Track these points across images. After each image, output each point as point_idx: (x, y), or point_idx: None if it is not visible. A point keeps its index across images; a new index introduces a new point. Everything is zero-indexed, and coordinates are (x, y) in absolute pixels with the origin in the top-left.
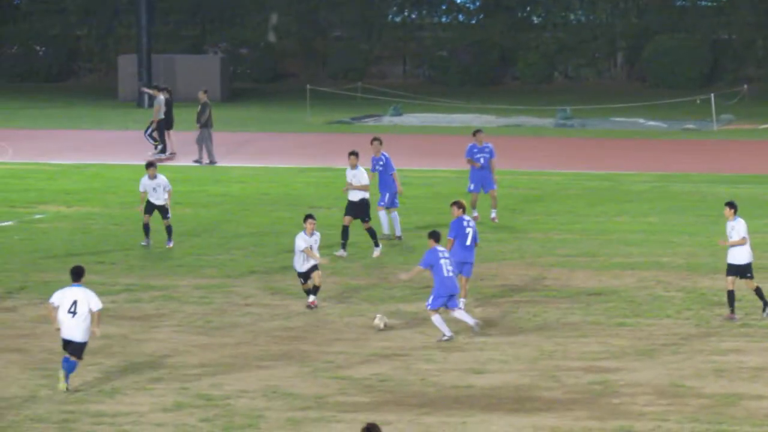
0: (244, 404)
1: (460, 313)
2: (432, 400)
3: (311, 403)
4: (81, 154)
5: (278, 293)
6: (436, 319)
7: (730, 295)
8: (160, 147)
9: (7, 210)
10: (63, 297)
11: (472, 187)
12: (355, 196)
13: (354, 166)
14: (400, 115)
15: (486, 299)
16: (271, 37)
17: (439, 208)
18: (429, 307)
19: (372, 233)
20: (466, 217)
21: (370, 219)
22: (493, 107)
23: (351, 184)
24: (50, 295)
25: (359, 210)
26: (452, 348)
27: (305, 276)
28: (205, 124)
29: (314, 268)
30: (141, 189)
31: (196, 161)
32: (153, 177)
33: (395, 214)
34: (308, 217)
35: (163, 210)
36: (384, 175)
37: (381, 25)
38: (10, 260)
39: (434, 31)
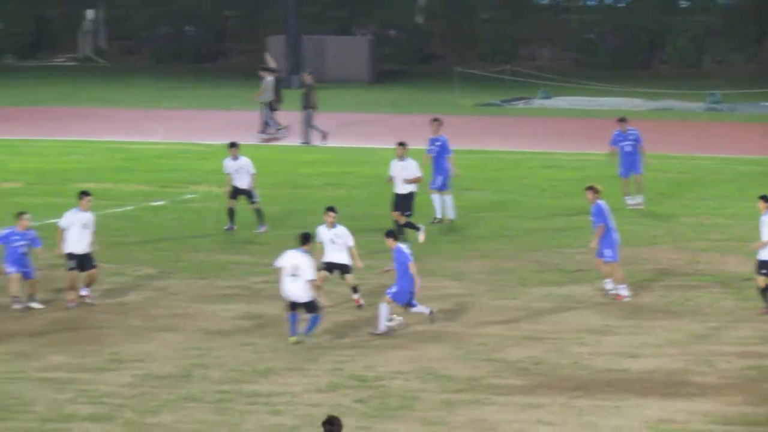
0: (398, 385)
1: (417, 309)
2: (585, 383)
3: (465, 386)
4: (229, 135)
5: (429, 275)
6: (384, 308)
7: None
8: (283, 127)
9: (159, 190)
10: (284, 260)
11: (622, 171)
12: (403, 188)
13: (402, 157)
14: (549, 98)
15: (638, 283)
16: (419, 19)
17: None
18: (391, 297)
19: (410, 225)
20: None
21: (411, 214)
22: (641, 90)
23: (392, 178)
24: (203, 276)
25: (404, 203)
26: (606, 331)
27: (328, 268)
28: (311, 106)
29: (345, 267)
30: (225, 171)
31: (304, 142)
32: (235, 158)
33: (449, 197)
34: (329, 209)
35: (247, 194)
36: (439, 157)
37: (529, 6)
38: (162, 240)
39: (582, 13)
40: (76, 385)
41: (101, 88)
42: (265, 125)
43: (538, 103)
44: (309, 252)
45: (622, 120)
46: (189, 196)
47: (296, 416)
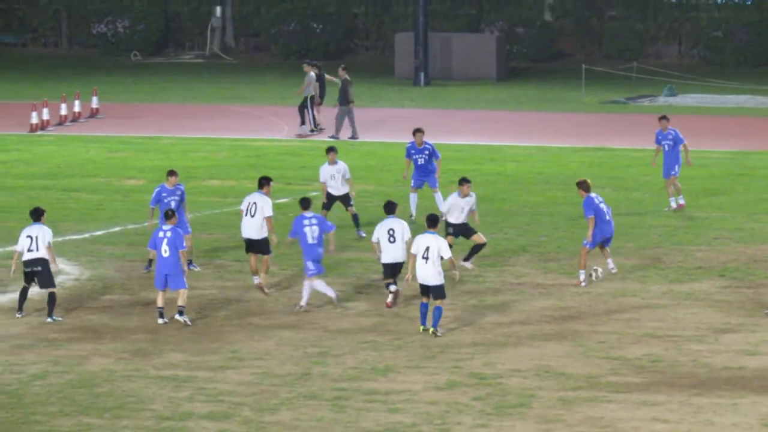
0: (516, 383)
1: (319, 284)
2: (703, 381)
3: (583, 383)
4: (358, 132)
5: (551, 272)
6: (319, 284)
7: None
8: (310, 126)
9: (283, 187)
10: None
11: (663, 171)
12: (339, 190)
13: (333, 162)
14: (675, 95)
15: (759, 281)
16: (548, 17)
17: (713, 189)
18: (310, 274)
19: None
20: (594, 195)
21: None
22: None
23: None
24: (326, 274)
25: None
26: (725, 329)
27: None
28: (345, 102)
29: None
30: (321, 179)
31: (351, 137)
32: (333, 162)
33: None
34: (464, 180)
35: (344, 199)
36: (428, 163)
37: (657, 4)
38: (285, 237)
39: (710, 11)
40: (195, 383)
41: (228, 85)
42: (310, 121)
43: (663, 100)
44: (438, 233)
45: (663, 118)
46: (313, 193)
47: (415, 414)
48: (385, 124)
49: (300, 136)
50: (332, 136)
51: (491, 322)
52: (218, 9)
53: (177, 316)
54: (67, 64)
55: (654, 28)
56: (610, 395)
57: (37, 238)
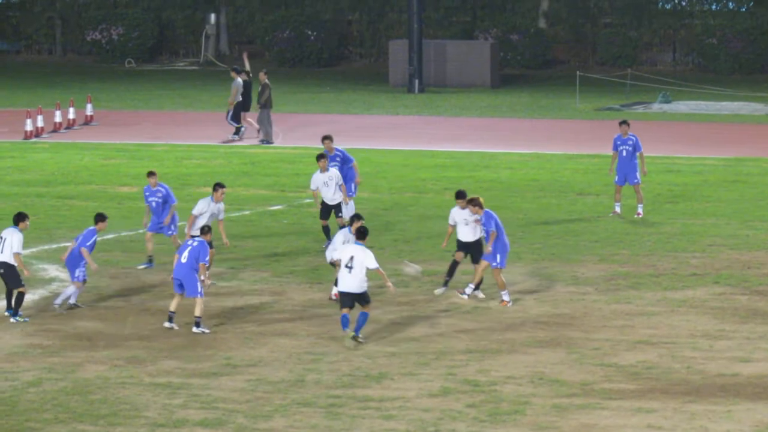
0: (510, 390)
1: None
2: (697, 388)
3: (577, 390)
4: (350, 140)
5: (545, 279)
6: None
7: None
8: (242, 130)
9: (277, 194)
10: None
11: (616, 178)
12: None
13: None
14: (669, 102)
15: (753, 287)
16: (542, 24)
17: (708, 196)
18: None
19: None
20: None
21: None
22: (762, 95)
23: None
24: (320, 281)
25: None
26: (719, 336)
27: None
28: (264, 105)
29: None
30: (312, 187)
31: (262, 141)
32: (324, 170)
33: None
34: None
35: (336, 208)
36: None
37: (651, 11)
38: (279, 244)
39: (704, 18)
40: (189, 390)
41: (223, 92)
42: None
43: (657, 107)
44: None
45: (623, 123)
46: (308, 200)
47: (408, 421)
48: (379, 132)
49: (232, 141)
50: (264, 141)
51: (485, 329)
52: (212, 16)
53: (194, 329)
54: (61, 72)
55: (648, 35)
56: (605, 402)
57: (5, 240)
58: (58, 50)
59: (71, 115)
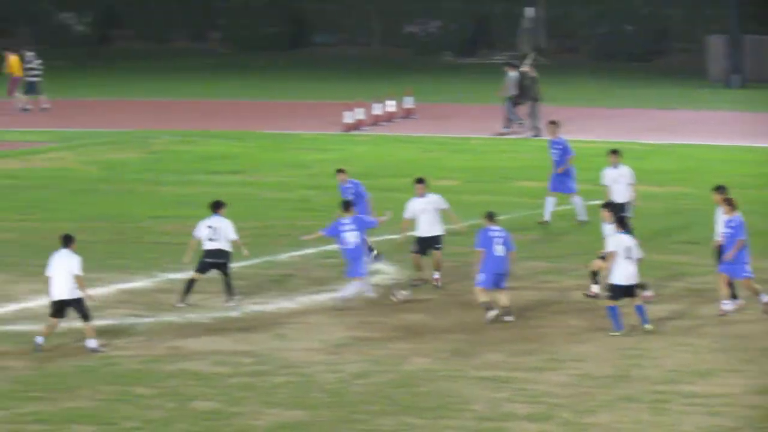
0: None
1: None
2: None
3: None
4: (669, 134)
5: None
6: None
7: None
8: (520, 123)
9: (594, 188)
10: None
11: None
12: (621, 196)
13: (615, 165)
14: None
15: None
16: None
17: None
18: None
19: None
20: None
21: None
22: None
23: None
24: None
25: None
26: None
27: None
28: (534, 98)
29: None
30: (605, 182)
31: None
32: (615, 165)
33: (578, 198)
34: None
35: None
36: (562, 161)
37: None
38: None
39: None
40: (514, 384)
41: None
42: (509, 120)
43: None
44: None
45: (552, 123)
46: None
47: (736, 418)
48: (700, 126)
49: (503, 134)
50: (535, 135)
51: None
52: (530, 10)
53: (506, 318)
54: (379, 64)
55: None
56: None
57: (218, 229)
58: (375, 43)
59: (390, 108)
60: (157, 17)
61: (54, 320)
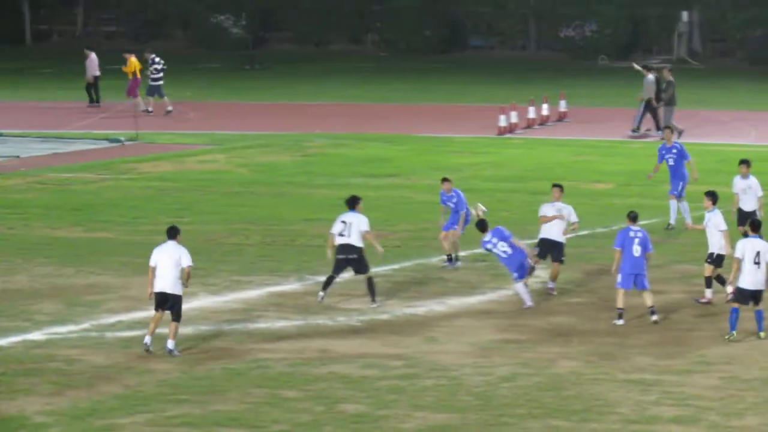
0: None
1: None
2: None
3: None
4: None
5: None
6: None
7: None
8: (641, 127)
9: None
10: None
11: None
12: (748, 205)
13: (745, 175)
14: None
15: None
16: None
17: None
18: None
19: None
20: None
21: None
22: None
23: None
24: None
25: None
26: None
27: None
28: (668, 102)
29: None
30: (734, 190)
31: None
32: (745, 176)
33: (684, 203)
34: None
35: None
36: (678, 165)
37: None
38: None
39: None
40: (662, 387)
41: (693, 89)
42: (640, 122)
43: None
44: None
45: (667, 128)
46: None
47: None
48: None
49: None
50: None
51: None
52: (685, 14)
53: (653, 317)
54: (534, 68)
55: None
56: None
57: (351, 225)
58: (531, 46)
59: (544, 111)
60: (313, 20)
61: (158, 314)
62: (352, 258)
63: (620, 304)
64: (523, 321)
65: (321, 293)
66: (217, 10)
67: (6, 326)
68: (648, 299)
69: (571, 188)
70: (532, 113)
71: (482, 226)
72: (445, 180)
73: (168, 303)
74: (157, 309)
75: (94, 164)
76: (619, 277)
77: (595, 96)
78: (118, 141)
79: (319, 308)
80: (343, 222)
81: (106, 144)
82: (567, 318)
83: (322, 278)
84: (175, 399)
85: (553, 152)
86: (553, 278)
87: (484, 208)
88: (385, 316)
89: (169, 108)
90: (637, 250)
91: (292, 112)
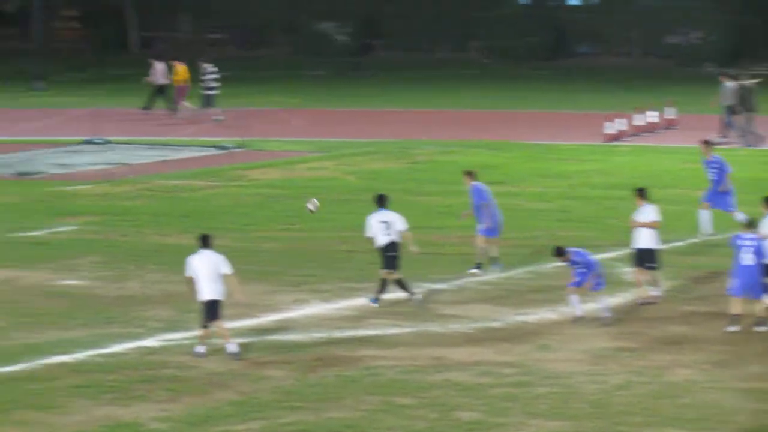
0: None
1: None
2: None
3: None
4: None
5: None
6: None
7: None
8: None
9: None
10: None
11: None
12: None
13: None
14: None
15: None
16: None
17: None
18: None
19: None
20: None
21: None
22: None
23: None
24: None
25: None
26: None
27: None
28: (749, 109)
29: None
30: None
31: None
32: None
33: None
34: None
35: None
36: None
37: None
38: None
39: None
40: None
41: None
42: (727, 129)
43: None
44: None
45: (706, 143)
46: None
47: None
48: None
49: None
50: (749, 144)
51: None
52: None
53: (757, 328)
54: (640, 75)
55: None
56: None
57: (391, 223)
58: (636, 53)
59: (652, 119)
60: (418, 27)
61: (218, 322)
62: (397, 255)
63: (734, 310)
64: (635, 329)
65: (413, 295)
66: (321, 18)
67: (120, 332)
68: (760, 309)
69: (680, 196)
70: (639, 120)
71: (561, 253)
72: (468, 173)
73: (218, 309)
74: (212, 318)
75: (203, 171)
76: (731, 284)
77: (701, 104)
78: (225, 148)
79: (431, 315)
80: (384, 222)
81: (213, 151)
82: (680, 326)
83: (433, 285)
84: (290, 406)
85: (660, 159)
86: (652, 285)
87: (317, 203)
88: (496, 324)
89: (221, 117)
90: (748, 258)
91: (399, 119)
